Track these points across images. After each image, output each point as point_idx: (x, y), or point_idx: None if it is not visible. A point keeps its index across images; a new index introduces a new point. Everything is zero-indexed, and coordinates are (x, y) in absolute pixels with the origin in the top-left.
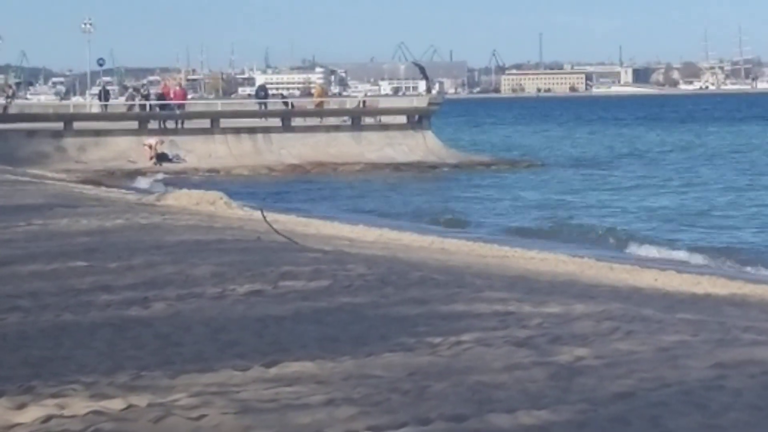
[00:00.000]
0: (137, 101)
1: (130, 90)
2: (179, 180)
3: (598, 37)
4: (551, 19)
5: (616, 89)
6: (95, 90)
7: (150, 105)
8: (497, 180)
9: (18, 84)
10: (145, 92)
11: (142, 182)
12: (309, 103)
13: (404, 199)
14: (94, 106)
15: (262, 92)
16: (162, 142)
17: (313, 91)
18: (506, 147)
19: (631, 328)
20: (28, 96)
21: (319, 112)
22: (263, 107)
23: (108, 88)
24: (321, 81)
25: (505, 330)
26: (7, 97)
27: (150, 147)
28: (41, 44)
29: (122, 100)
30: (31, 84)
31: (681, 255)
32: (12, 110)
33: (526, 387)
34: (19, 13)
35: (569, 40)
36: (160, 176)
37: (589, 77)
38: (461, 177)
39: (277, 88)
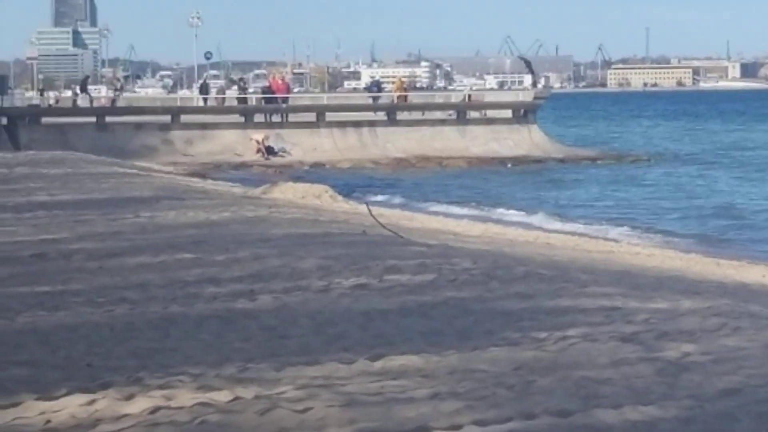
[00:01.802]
0: (235, 94)
1: (220, 83)
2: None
3: (705, 32)
4: (658, 13)
5: (723, 84)
6: (215, 84)
7: (254, 98)
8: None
9: (126, 77)
10: (244, 85)
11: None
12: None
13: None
14: (201, 100)
15: (375, 87)
16: (268, 137)
17: (392, 85)
18: (612, 141)
19: (738, 324)
20: (136, 89)
21: (425, 105)
22: (376, 101)
23: (209, 81)
24: (406, 76)
25: (611, 325)
26: (116, 90)
27: (257, 142)
28: (149, 38)
29: (228, 93)
30: (138, 77)
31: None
32: (120, 103)
33: (633, 383)
34: (128, 6)
35: (676, 35)
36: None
37: (696, 72)
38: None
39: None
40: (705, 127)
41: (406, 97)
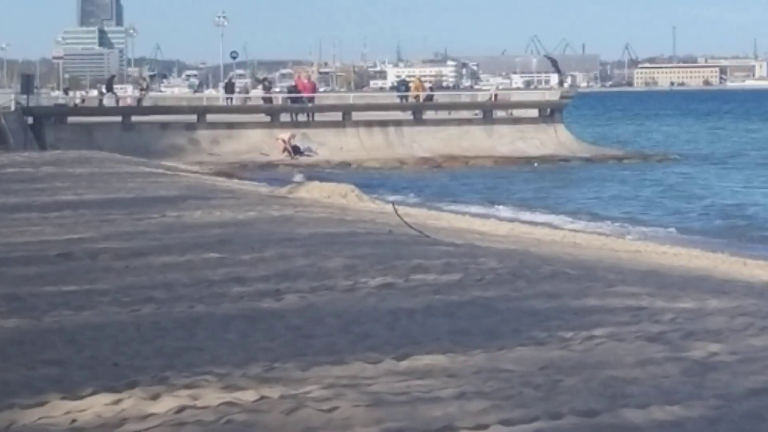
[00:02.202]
0: (259, 93)
1: (244, 82)
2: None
3: (732, 30)
4: (685, 11)
5: (750, 83)
6: (239, 83)
7: (280, 98)
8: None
9: (152, 77)
10: (269, 85)
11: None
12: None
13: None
14: (226, 99)
15: (403, 86)
16: (294, 136)
17: (411, 84)
18: (642, 140)
19: (765, 324)
20: (162, 88)
21: (451, 105)
22: (404, 101)
23: (234, 81)
24: (424, 76)
25: (638, 325)
26: (142, 89)
27: (283, 141)
28: (175, 37)
29: (253, 92)
30: (165, 77)
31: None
32: (146, 103)
33: (659, 382)
34: (154, 6)
35: (703, 33)
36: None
37: (723, 71)
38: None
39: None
40: (731, 126)
41: (432, 96)
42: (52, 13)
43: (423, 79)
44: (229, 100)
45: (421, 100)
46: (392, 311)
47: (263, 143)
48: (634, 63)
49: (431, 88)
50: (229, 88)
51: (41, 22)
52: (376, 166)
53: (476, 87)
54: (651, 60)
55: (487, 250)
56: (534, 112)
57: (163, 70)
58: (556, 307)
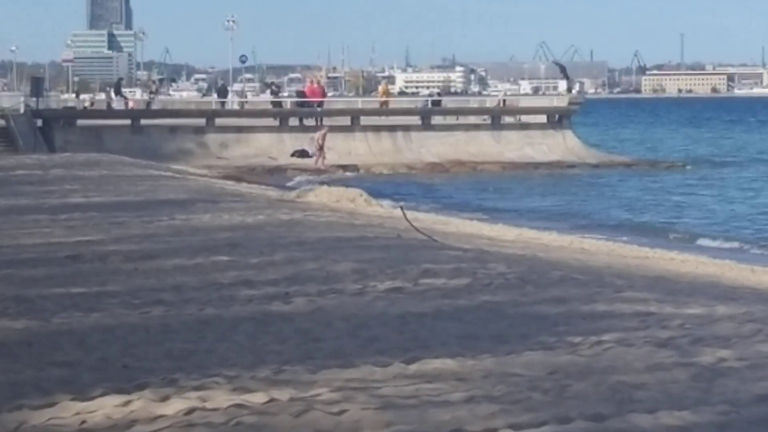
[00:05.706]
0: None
1: (242, 87)
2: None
3: (740, 38)
4: (693, 19)
5: (758, 90)
6: (237, 87)
7: (288, 102)
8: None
9: (161, 80)
10: (277, 89)
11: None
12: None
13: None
14: (236, 103)
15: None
16: (325, 136)
17: (379, 88)
18: (651, 147)
19: None
20: (171, 92)
21: (459, 110)
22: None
23: (227, 86)
24: (386, 81)
25: (646, 330)
26: (151, 93)
27: (317, 140)
28: (184, 41)
29: (262, 97)
30: (173, 80)
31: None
32: (155, 106)
33: (668, 388)
34: (163, 9)
35: (711, 41)
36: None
37: (731, 78)
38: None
39: (416, 87)
40: (736, 135)
41: (439, 101)
42: (61, 17)
43: (430, 84)
44: (221, 105)
45: (381, 105)
46: (401, 315)
47: (272, 147)
48: (642, 70)
49: (439, 94)
50: (222, 93)
51: (51, 26)
52: (385, 171)
53: (484, 93)
54: (659, 67)
55: (496, 255)
56: (542, 118)
57: (172, 73)
58: (565, 312)
